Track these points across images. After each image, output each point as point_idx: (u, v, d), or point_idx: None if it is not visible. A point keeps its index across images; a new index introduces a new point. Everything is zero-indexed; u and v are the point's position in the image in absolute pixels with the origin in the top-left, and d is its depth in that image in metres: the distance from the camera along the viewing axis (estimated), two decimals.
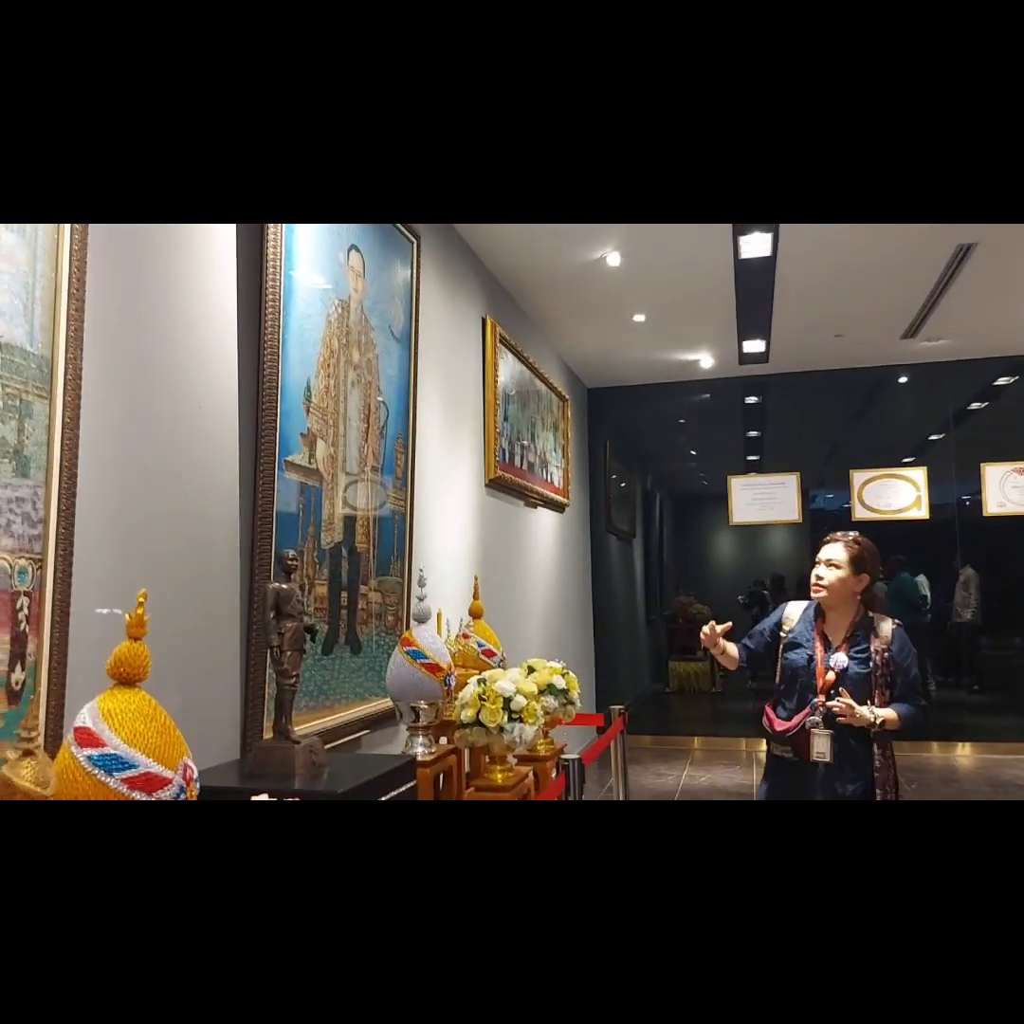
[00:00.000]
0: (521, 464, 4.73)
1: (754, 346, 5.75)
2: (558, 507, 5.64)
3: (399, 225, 2.95)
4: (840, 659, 2.33)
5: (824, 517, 9.81)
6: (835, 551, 2.40)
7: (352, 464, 2.61)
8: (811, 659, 2.37)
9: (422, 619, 2.29)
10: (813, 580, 2.41)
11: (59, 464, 1.48)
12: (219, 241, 2.06)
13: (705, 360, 6.15)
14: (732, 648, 2.52)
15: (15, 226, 1.40)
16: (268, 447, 2.14)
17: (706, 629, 2.40)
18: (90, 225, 1.55)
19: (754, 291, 4.69)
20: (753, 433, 8.95)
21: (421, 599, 2.33)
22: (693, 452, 10.34)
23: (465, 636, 2.68)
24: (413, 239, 3.06)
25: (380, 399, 2.81)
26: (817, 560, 2.43)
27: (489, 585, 4.07)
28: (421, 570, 2.46)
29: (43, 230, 1.46)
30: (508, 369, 4.47)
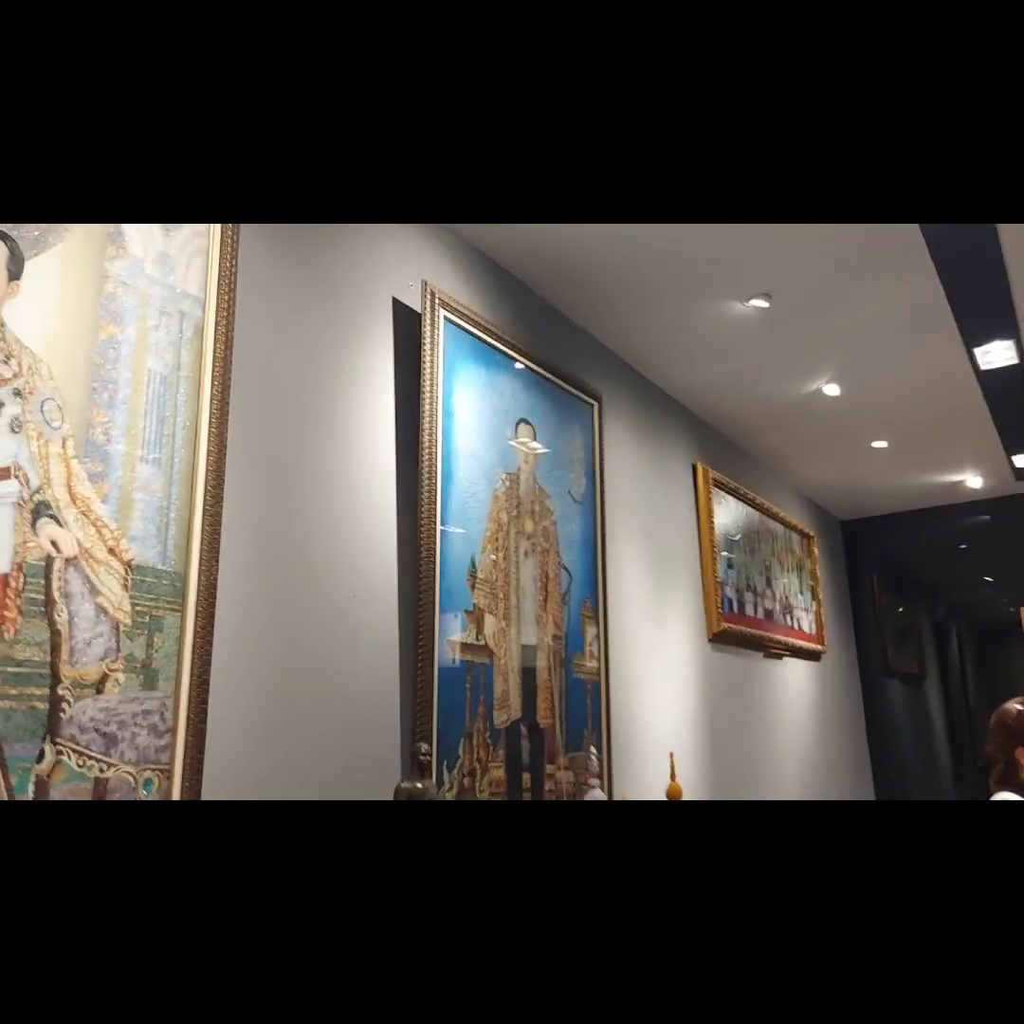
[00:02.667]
0: (755, 613, 4.39)
1: None
2: (811, 655, 5.14)
3: (578, 391, 2.97)
4: None
5: None
6: None
7: (529, 636, 2.54)
8: None
9: None
10: None
11: (189, 673, 1.55)
12: (374, 431, 2.17)
13: (972, 479, 5.47)
14: None
15: (151, 457, 1.55)
16: (426, 630, 2.14)
17: None
18: (228, 438, 1.69)
19: (1011, 403, 4.14)
20: None
21: (593, 786, 2.14)
22: (988, 579, 9.13)
23: None
24: (593, 401, 3.05)
25: (561, 565, 2.75)
26: None
27: (722, 751, 3.73)
28: (594, 751, 2.29)
29: (179, 456, 1.60)
30: (729, 513, 4.25)
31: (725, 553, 4.13)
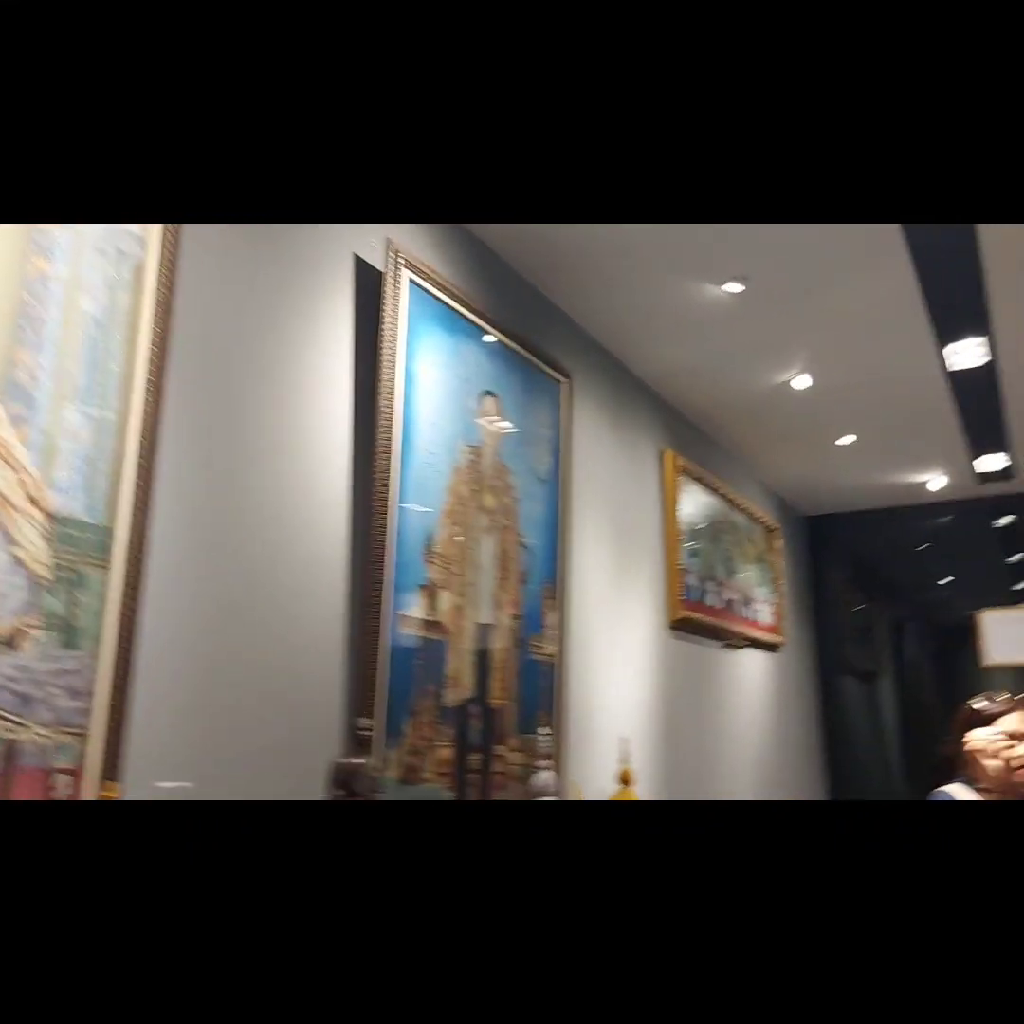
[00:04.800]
0: (716, 602, 4.37)
1: (992, 462, 5.04)
2: (769, 647, 5.14)
3: (546, 367, 2.90)
4: None
5: None
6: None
7: (485, 614, 2.48)
8: None
9: (539, 793, 2.05)
10: (1018, 762, 1.93)
11: (115, 634, 1.46)
12: (329, 393, 2.08)
13: (935, 481, 5.49)
14: None
15: (80, 403, 1.45)
16: (376, 603, 2.06)
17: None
18: (167, 391, 1.59)
19: (978, 404, 4.13)
20: (1015, 558, 7.84)
21: (543, 767, 2.09)
22: (949, 579, 9.24)
23: None
24: (563, 379, 2.98)
25: (522, 544, 2.68)
26: (1016, 732, 1.95)
27: (677, 738, 3.71)
28: (547, 731, 2.23)
29: (112, 405, 1.51)
30: (694, 502, 4.21)
31: (689, 542, 4.09)
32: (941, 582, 9.11)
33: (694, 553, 4.15)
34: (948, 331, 3.42)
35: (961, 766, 2.10)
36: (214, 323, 1.78)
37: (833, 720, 6.47)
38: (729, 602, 4.54)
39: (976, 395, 4.03)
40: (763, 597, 5.10)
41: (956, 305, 3.23)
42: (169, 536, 1.61)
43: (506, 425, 2.65)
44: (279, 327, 1.95)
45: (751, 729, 4.77)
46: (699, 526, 4.25)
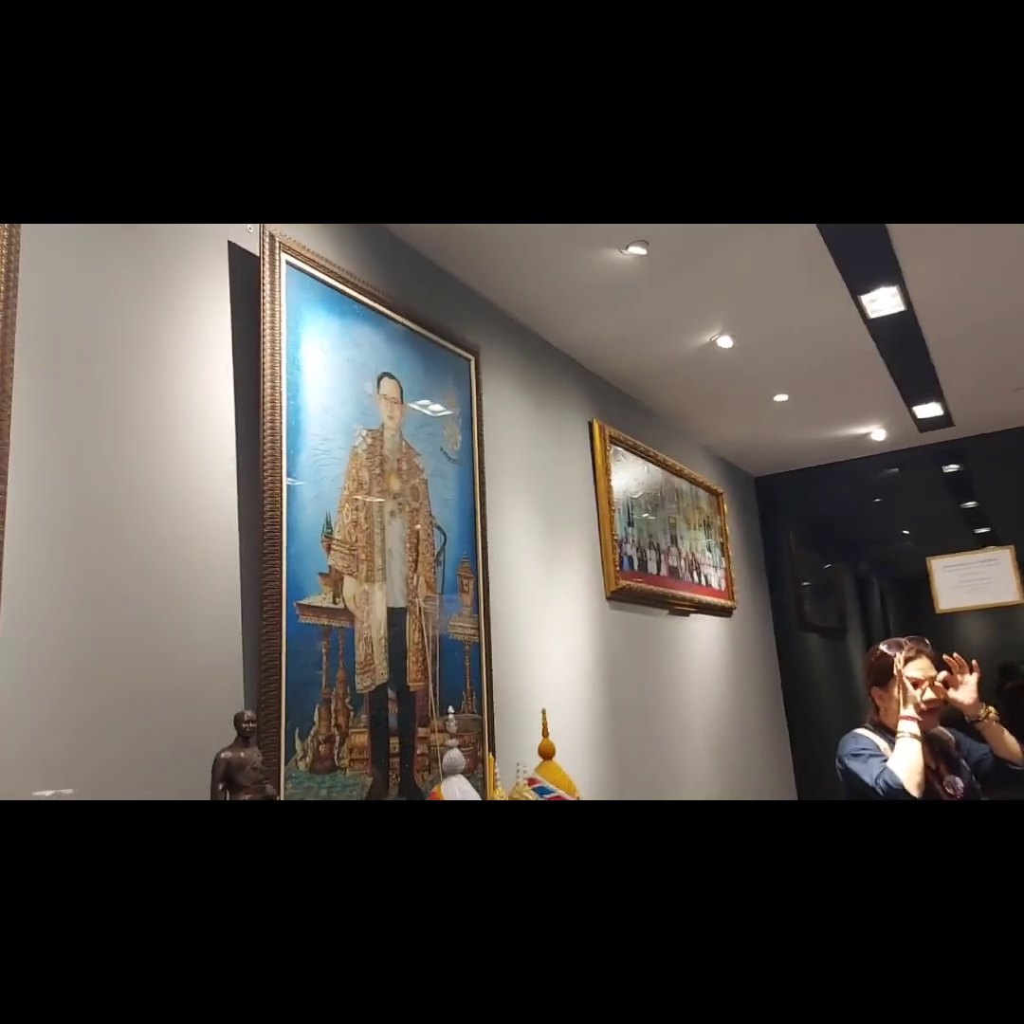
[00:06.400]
0: (659, 570, 4.37)
1: (929, 410, 5.09)
2: (720, 611, 5.16)
3: (450, 345, 2.86)
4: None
5: None
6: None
7: (397, 598, 2.45)
8: None
9: (450, 770, 2.04)
10: (928, 704, 1.96)
11: None
12: (209, 384, 2.03)
13: (877, 432, 5.53)
14: None
15: None
16: (272, 594, 2.03)
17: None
18: (19, 387, 1.55)
19: (904, 352, 4.15)
20: (969, 504, 7.93)
21: (451, 746, 2.08)
22: (906, 532, 9.33)
23: (530, 781, 2.37)
24: (470, 356, 2.95)
25: (433, 525, 2.66)
26: (922, 678, 1.96)
27: (622, 708, 3.71)
28: (451, 711, 2.22)
29: None
30: (629, 472, 4.20)
31: (625, 511, 4.09)
32: (899, 533, 9.21)
33: (631, 522, 4.14)
34: (860, 281, 3.42)
35: (872, 710, 2.12)
36: (77, 316, 1.73)
37: (795, 679, 6.52)
38: (673, 569, 4.54)
39: (900, 343, 4.04)
40: (711, 562, 5.12)
41: (864, 254, 3.23)
42: (33, 546, 1.57)
43: (409, 406, 2.62)
44: (152, 318, 1.91)
45: (705, 693, 4.79)
46: (636, 495, 4.25)
